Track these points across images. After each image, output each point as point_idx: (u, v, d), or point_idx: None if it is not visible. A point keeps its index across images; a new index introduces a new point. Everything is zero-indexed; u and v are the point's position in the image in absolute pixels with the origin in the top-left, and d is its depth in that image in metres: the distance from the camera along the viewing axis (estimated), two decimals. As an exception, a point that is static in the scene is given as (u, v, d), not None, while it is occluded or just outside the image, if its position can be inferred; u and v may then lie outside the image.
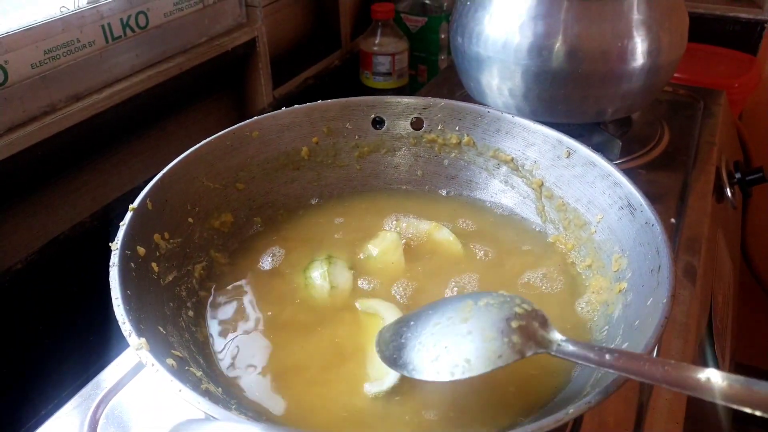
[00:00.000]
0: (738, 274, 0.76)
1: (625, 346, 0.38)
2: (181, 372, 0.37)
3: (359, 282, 0.50)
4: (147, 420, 0.48)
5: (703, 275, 0.62)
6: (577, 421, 0.47)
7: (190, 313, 0.46)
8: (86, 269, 0.58)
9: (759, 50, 1.18)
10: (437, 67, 1.07)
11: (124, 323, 0.37)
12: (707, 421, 0.56)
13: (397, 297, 0.49)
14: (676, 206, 0.71)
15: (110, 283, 0.40)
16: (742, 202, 0.92)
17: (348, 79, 1.05)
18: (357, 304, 0.48)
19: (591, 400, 0.32)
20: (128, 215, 0.45)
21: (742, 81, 1.10)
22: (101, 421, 0.49)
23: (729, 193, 0.80)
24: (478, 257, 0.53)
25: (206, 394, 0.37)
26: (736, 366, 0.67)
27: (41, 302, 0.68)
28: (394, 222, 0.56)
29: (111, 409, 0.50)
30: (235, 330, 0.47)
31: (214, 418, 0.33)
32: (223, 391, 0.40)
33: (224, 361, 0.44)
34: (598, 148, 0.52)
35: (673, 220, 0.69)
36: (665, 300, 0.38)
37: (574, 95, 0.71)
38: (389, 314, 0.45)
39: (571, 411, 0.32)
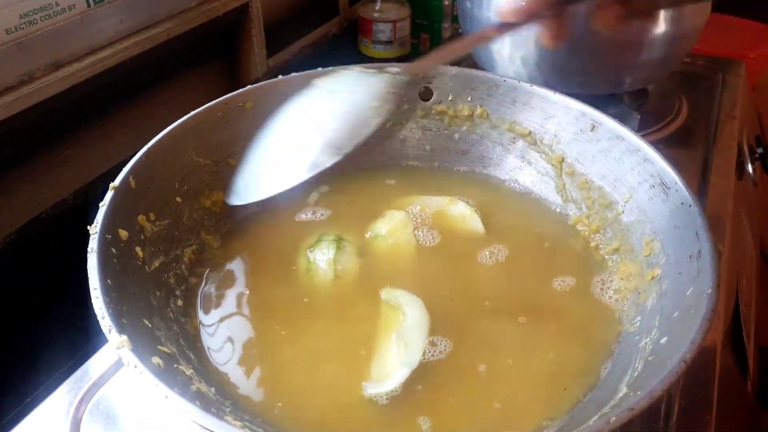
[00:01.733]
0: (760, 255, 0.72)
1: (663, 340, 0.35)
2: (168, 372, 0.33)
3: (367, 266, 0.46)
4: (134, 415, 0.45)
5: (729, 257, 0.58)
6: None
7: (179, 302, 0.42)
8: (70, 250, 0.53)
9: (775, 20, 1.13)
10: (440, 35, 1.02)
11: (104, 318, 0.33)
12: (736, 408, 0.53)
13: (409, 280, 0.45)
14: (697, 184, 0.67)
15: (88, 271, 0.35)
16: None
17: (346, 48, 1.00)
18: (381, 294, 0.44)
19: (634, 406, 0.29)
20: (109, 194, 0.40)
21: (758, 52, 1.06)
22: (85, 417, 0.45)
23: (750, 169, 0.76)
24: (494, 240, 0.49)
25: (197, 396, 0.33)
26: (760, 349, 0.64)
27: (23, 285, 0.64)
28: (406, 200, 0.52)
29: (95, 404, 0.46)
30: (228, 320, 0.43)
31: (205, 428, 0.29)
32: (216, 390, 0.37)
33: (217, 355, 0.40)
34: (614, 122, 0.48)
35: (695, 198, 0.65)
36: (710, 290, 0.34)
37: (590, 64, 0.66)
38: (412, 309, 0.41)
39: (613, 419, 0.28)
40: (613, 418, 0.28)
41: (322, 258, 0.45)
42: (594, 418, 0.30)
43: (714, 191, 0.67)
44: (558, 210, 0.51)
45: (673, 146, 0.74)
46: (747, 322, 0.58)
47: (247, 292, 0.45)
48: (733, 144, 0.74)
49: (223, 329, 0.42)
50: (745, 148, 0.77)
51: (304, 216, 0.51)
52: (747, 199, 0.74)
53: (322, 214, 0.52)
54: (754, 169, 0.77)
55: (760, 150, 0.78)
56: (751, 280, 0.67)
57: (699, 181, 0.68)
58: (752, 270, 0.69)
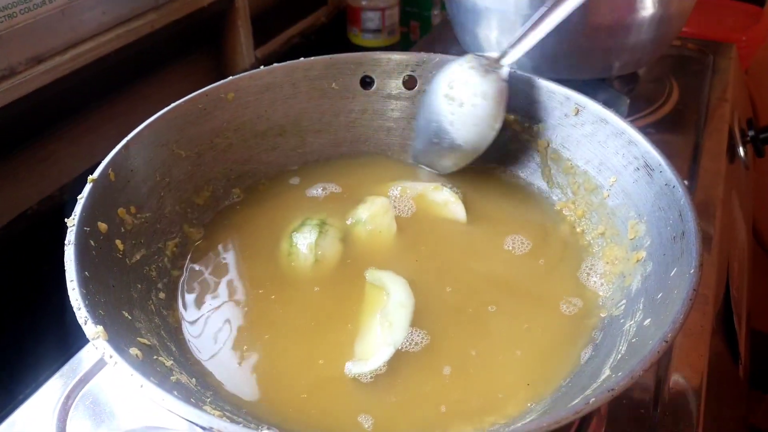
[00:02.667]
0: (752, 239, 0.72)
1: (647, 322, 0.34)
2: (147, 363, 0.33)
3: (348, 251, 0.46)
4: (120, 409, 0.45)
5: (719, 241, 0.58)
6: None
7: (161, 294, 0.42)
8: (57, 245, 0.53)
9: (767, 2, 1.12)
10: (430, 23, 1.02)
11: (80, 309, 0.33)
12: (727, 394, 0.53)
13: (389, 265, 0.45)
14: (688, 168, 0.67)
15: (65, 263, 0.35)
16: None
17: (335, 38, 0.99)
18: (366, 274, 0.43)
19: (614, 386, 0.28)
20: (87, 187, 0.40)
21: (749, 34, 1.05)
22: (72, 412, 0.45)
23: (741, 153, 0.76)
24: (478, 226, 0.48)
25: (176, 387, 0.33)
26: (752, 333, 0.64)
27: (10, 281, 0.63)
28: (388, 184, 0.51)
29: (82, 399, 0.46)
30: (211, 311, 0.42)
31: (182, 417, 0.28)
32: (198, 381, 0.36)
33: (199, 346, 0.40)
34: (604, 106, 0.47)
35: (685, 182, 0.64)
36: (693, 270, 0.33)
37: (579, 48, 0.66)
38: (396, 289, 0.41)
39: (593, 400, 0.28)
40: (593, 399, 0.28)
41: (303, 242, 0.44)
42: (576, 401, 0.30)
43: (704, 175, 0.66)
44: (544, 195, 0.51)
45: (663, 130, 0.73)
46: (738, 307, 0.58)
47: (230, 283, 0.45)
48: (724, 127, 0.74)
49: (206, 321, 0.42)
50: (737, 132, 0.76)
51: (288, 203, 0.51)
52: (738, 182, 0.74)
53: (305, 201, 0.51)
54: (745, 153, 0.77)
55: (751, 133, 0.78)
56: (743, 264, 0.67)
57: (690, 164, 0.68)
58: (744, 254, 0.69)
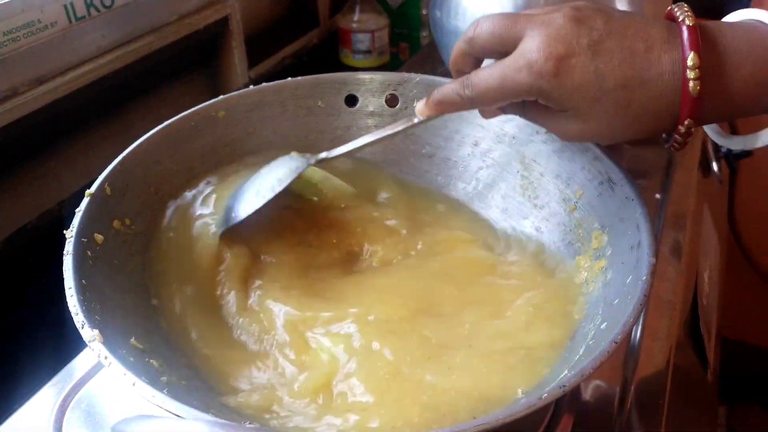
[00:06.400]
0: (725, 250, 0.75)
1: (603, 325, 0.37)
2: (139, 364, 0.35)
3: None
4: (117, 413, 0.47)
5: (688, 252, 0.61)
6: (559, 402, 0.46)
7: (154, 301, 0.44)
8: (55, 258, 0.56)
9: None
10: (419, 44, 1.05)
11: (77, 314, 0.35)
12: (694, 398, 0.55)
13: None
14: (661, 181, 0.70)
15: (64, 272, 0.38)
16: (729, 177, 0.91)
17: (327, 59, 1.02)
18: None
19: (565, 384, 0.31)
20: (85, 201, 0.43)
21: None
22: (67, 414, 0.47)
23: (715, 168, 0.79)
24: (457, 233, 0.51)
25: (166, 386, 0.35)
26: (723, 341, 0.66)
27: (9, 294, 0.65)
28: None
29: (77, 402, 0.48)
30: (203, 316, 0.45)
31: (172, 413, 0.31)
32: (188, 383, 0.39)
33: (191, 349, 0.42)
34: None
35: (657, 195, 0.67)
36: (644, 277, 0.36)
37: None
38: None
39: (545, 396, 0.30)
40: (545, 395, 0.30)
41: None
42: (532, 397, 0.32)
43: (677, 188, 0.69)
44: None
45: (639, 145, 0.76)
46: (706, 315, 0.61)
47: (223, 288, 0.47)
48: (697, 143, 0.77)
49: (197, 327, 0.44)
50: (710, 147, 0.79)
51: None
52: (712, 196, 0.77)
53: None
54: (719, 168, 0.80)
55: (723, 149, 0.81)
56: (715, 274, 0.70)
57: (663, 178, 0.71)
58: (716, 265, 0.71)
